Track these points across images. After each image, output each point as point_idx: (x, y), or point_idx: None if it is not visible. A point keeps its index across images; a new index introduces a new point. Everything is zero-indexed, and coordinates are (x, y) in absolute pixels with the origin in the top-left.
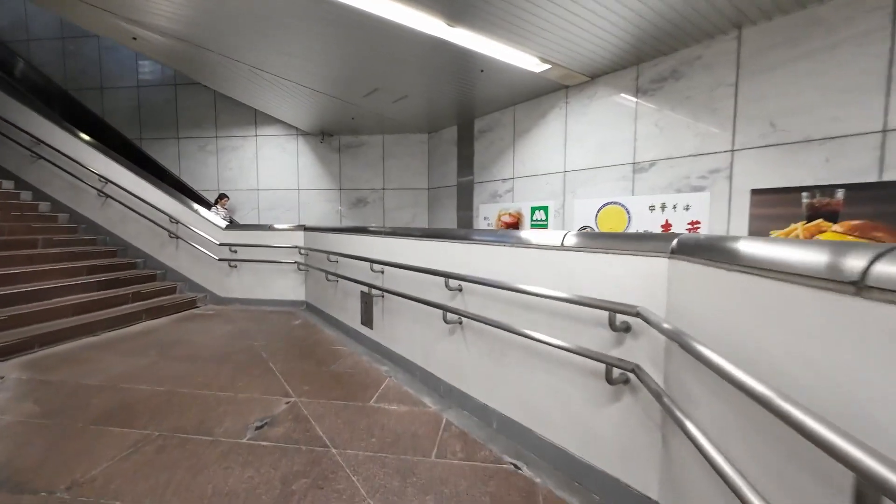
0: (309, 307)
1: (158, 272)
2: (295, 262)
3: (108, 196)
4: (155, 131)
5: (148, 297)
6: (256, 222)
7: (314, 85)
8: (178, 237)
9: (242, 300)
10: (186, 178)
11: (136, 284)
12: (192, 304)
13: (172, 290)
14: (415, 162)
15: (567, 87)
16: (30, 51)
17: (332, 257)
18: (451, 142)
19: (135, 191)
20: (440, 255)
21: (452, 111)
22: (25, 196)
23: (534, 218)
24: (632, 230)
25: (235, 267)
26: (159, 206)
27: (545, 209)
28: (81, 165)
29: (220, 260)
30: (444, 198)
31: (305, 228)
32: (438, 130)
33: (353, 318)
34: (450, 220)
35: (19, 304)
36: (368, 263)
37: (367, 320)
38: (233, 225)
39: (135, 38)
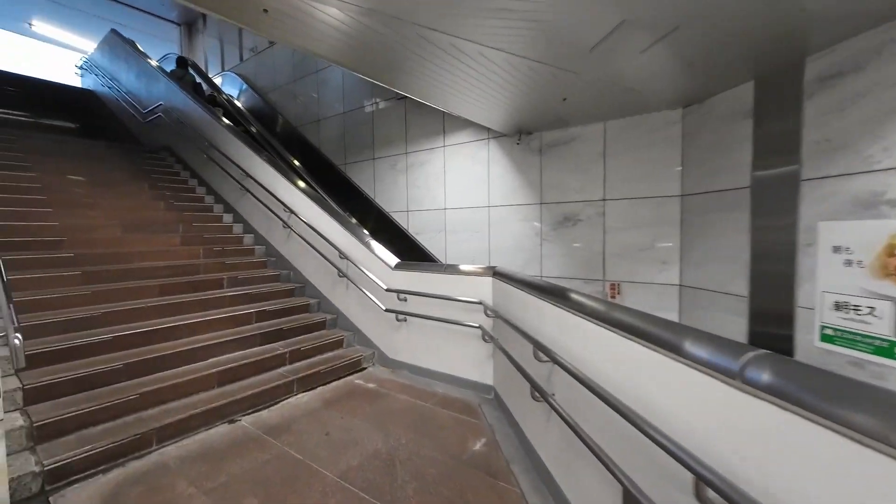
0: (499, 403)
1: (329, 317)
2: (479, 328)
3: (290, 228)
4: (356, 154)
5: (308, 355)
6: (443, 246)
7: (526, 49)
8: (346, 277)
9: (411, 367)
10: (380, 201)
11: (300, 335)
12: (356, 365)
13: (338, 344)
14: (656, 156)
15: None
16: (274, 99)
17: (543, 355)
18: (740, 112)
19: (311, 220)
20: None
21: (752, 49)
22: (237, 229)
23: None
24: None
25: (404, 321)
26: (331, 239)
27: None
28: (272, 195)
29: (387, 311)
30: (719, 209)
31: (495, 274)
32: (707, 98)
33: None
34: (733, 245)
35: (166, 368)
36: None
37: None
38: (403, 264)
39: (266, 11)
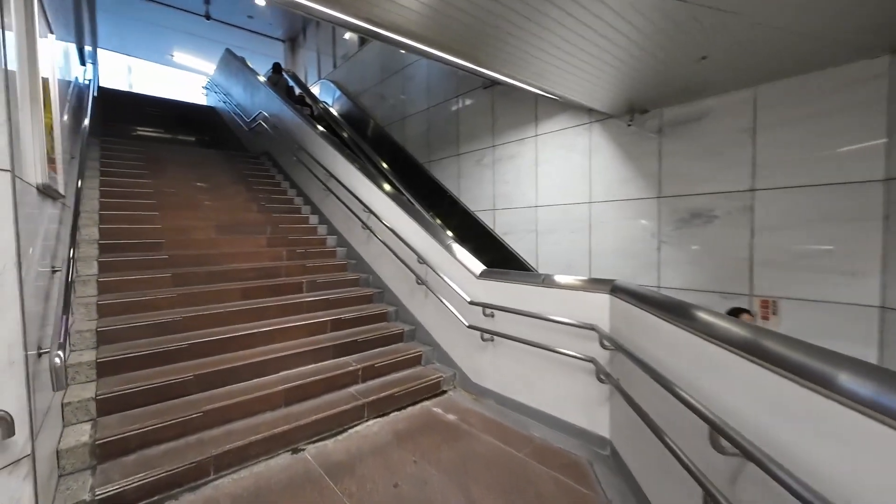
0: (619, 466)
1: (406, 329)
2: (590, 361)
3: (370, 229)
4: (440, 150)
5: (382, 373)
6: (534, 248)
7: None
8: (425, 284)
9: (498, 397)
10: (465, 200)
11: (375, 348)
12: (434, 388)
13: (416, 361)
14: (841, 127)
15: None
16: (364, 102)
17: (727, 444)
18: None
19: (388, 220)
20: None
21: None
22: (322, 230)
23: None
24: None
25: (491, 340)
26: (409, 241)
27: None
28: (352, 194)
29: (469, 327)
30: None
31: (615, 290)
32: None
33: None
34: None
35: (236, 381)
36: None
37: None
38: (489, 272)
39: None
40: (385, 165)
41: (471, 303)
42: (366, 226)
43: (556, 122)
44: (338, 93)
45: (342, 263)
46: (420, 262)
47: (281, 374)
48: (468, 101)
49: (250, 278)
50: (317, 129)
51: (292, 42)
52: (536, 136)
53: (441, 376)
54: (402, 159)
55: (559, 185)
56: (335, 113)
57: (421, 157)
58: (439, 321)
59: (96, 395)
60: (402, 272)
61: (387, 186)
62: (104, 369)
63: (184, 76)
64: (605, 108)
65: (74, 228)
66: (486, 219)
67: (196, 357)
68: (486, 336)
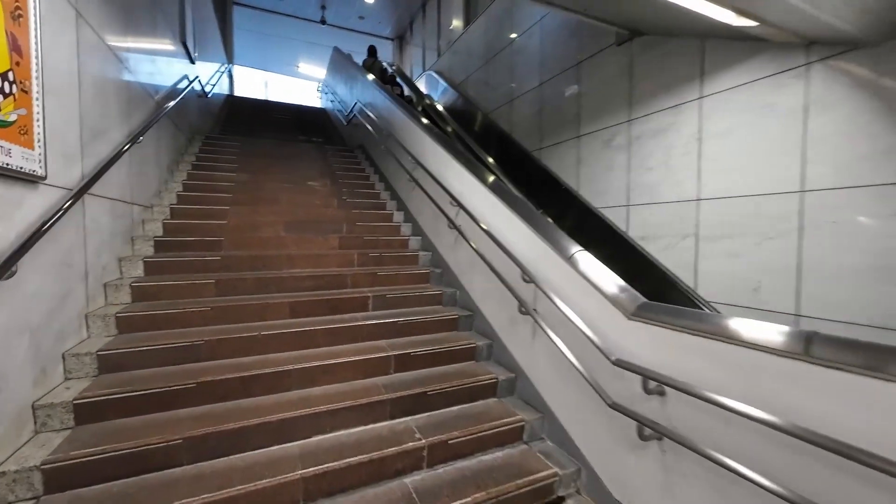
0: None
1: (502, 377)
2: None
3: (457, 229)
4: (554, 134)
5: (460, 453)
6: (691, 261)
7: None
8: (533, 315)
9: None
10: (586, 193)
11: (454, 404)
12: (543, 493)
13: (515, 435)
14: None
15: None
16: (467, 90)
17: None
18: None
19: (484, 217)
20: None
21: None
22: (405, 230)
23: None
24: None
25: (658, 440)
26: (510, 247)
27: None
28: (439, 184)
29: (614, 407)
30: None
31: None
32: None
33: None
34: None
35: (244, 449)
36: None
37: None
38: (653, 309)
39: None
40: (490, 160)
41: (616, 362)
42: (453, 224)
43: (739, 73)
44: (442, 86)
45: (423, 272)
46: (526, 281)
47: (312, 440)
48: (594, 66)
49: (306, 288)
50: (401, 105)
51: (400, 40)
52: (701, 98)
53: (555, 473)
54: (507, 149)
55: (741, 168)
56: (440, 107)
57: (530, 144)
58: (555, 377)
59: (42, 464)
60: (499, 291)
61: (481, 172)
62: (82, 414)
63: (308, 85)
64: (852, 28)
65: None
66: (615, 218)
67: (202, 402)
68: (648, 431)
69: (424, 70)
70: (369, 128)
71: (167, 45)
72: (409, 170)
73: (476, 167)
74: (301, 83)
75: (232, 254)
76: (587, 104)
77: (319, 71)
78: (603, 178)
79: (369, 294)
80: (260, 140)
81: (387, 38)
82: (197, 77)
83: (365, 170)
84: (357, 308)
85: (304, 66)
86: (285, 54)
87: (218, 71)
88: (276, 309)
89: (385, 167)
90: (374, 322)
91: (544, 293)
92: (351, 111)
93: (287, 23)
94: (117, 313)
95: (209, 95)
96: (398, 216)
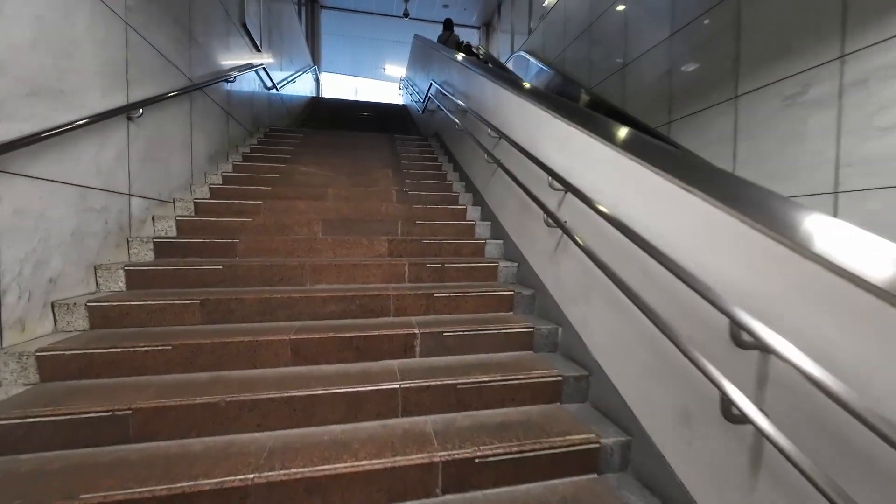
0: None
1: None
2: None
3: (559, 226)
4: (690, 101)
5: None
6: None
7: None
8: (754, 423)
9: None
10: (750, 177)
11: None
12: None
13: None
14: None
15: None
16: (565, 65)
17: None
18: None
19: (618, 206)
20: None
21: None
22: (482, 230)
23: None
24: None
25: None
26: (669, 252)
27: None
28: (533, 160)
29: None
30: None
31: None
32: None
33: None
34: None
35: None
36: None
37: None
38: None
39: None
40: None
41: None
42: (553, 219)
43: None
44: (534, 67)
45: (504, 293)
46: (740, 335)
47: None
48: None
49: (327, 315)
50: (476, 66)
51: (487, 27)
52: None
53: None
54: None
55: None
56: None
57: (653, 118)
58: None
59: None
60: (651, 345)
61: (605, 128)
62: None
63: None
64: None
65: None
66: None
67: None
68: None
69: (513, 52)
70: (443, 108)
71: (215, 21)
72: (490, 148)
73: (595, 122)
74: (387, 85)
75: (245, 262)
76: (752, 45)
77: (403, 70)
78: (782, 152)
79: (417, 331)
80: (323, 132)
81: (472, 27)
82: (263, 66)
83: (437, 158)
84: (396, 352)
85: (390, 68)
86: (372, 56)
87: (300, 70)
88: (270, 350)
89: (460, 153)
90: (419, 384)
91: (783, 358)
92: (426, 96)
93: (372, 22)
94: (39, 351)
95: (279, 89)
96: (472, 212)
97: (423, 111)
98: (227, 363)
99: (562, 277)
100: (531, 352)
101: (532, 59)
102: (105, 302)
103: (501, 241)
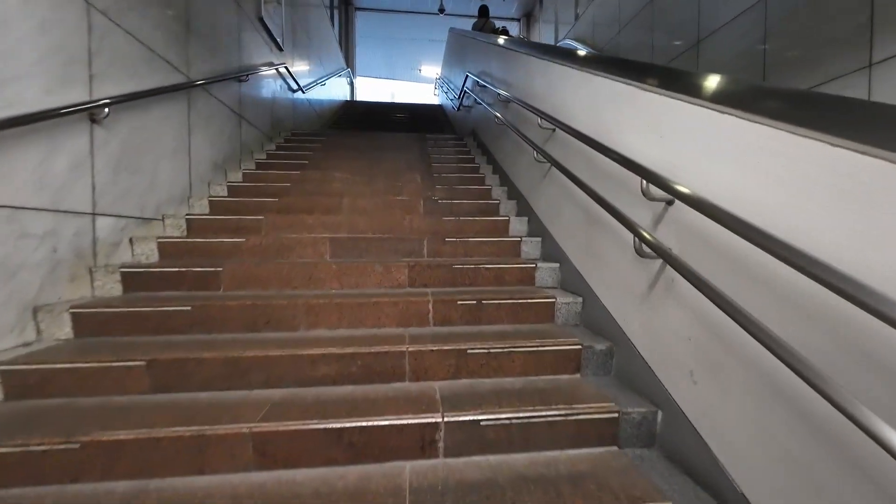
0: None
1: None
2: None
3: (666, 259)
4: (804, 70)
5: None
6: None
7: None
8: None
9: None
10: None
11: None
12: None
13: None
14: None
15: None
16: (621, 49)
17: None
18: None
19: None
20: None
21: None
22: (530, 248)
23: None
24: None
25: None
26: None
27: None
28: (604, 151)
29: None
30: None
31: None
32: None
33: None
34: None
35: None
36: None
37: None
38: None
39: None
40: None
41: None
42: (646, 243)
43: None
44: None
45: (569, 348)
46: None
47: None
48: None
49: (317, 381)
50: (517, 45)
51: (527, 18)
52: None
53: None
54: None
55: None
56: None
57: None
58: None
59: None
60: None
61: (731, 91)
62: None
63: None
64: None
65: None
66: None
67: None
68: None
69: (557, 41)
70: (480, 102)
71: (222, 11)
72: (540, 143)
73: (712, 86)
74: (423, 87)
75: (223, 298)
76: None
77: (438, 70)
78: None
79: (441, 418)
80: (349, 133)
81: (511, 19)
82: (285, 66)
83: (475, 159)
84: (409, 450)
85: (426, 68)
86: (407, 57)
87: (331, 73)
88: (223, 448)
89: (501, 152)
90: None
91: None
92: (461, 90)
93: (407, 21)
94: None
95: (305, 91)
96: (517, 224)
97: (458, 108)
98: (155, 469)
99: (660, 332)
100: (615, 448)
101: (579, 47)
102: (23, 365)
103: (557, 265)
